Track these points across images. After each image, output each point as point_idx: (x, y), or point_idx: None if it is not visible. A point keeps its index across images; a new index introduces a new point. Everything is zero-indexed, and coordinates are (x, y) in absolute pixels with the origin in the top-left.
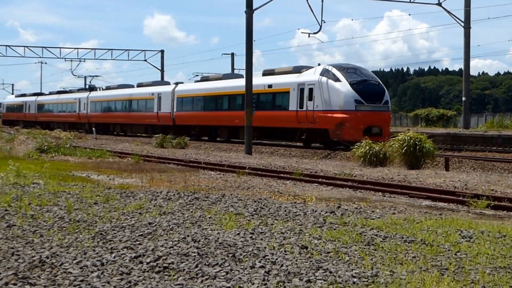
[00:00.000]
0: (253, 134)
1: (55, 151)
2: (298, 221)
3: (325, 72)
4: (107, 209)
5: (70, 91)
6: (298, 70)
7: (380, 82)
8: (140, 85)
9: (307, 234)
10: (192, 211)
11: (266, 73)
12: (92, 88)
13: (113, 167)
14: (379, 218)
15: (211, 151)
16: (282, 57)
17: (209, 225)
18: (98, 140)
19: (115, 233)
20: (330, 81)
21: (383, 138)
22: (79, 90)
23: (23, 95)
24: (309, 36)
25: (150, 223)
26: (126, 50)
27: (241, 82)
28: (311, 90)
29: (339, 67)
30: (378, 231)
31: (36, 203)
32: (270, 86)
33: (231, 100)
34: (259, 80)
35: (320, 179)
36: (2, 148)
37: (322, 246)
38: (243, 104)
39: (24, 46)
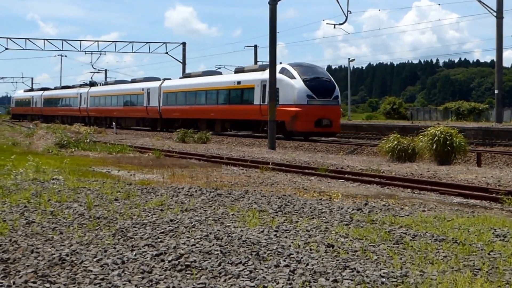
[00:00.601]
0: (225, 126)
1: (74, 146)
2: (324, 218)
3: (283, 70)
4: (127, 206)
5: (73, 86)
6: (263, 68)
7: (332, 79)
8: (133, 80)
9: (333, 232)
10: (214, 208)
11: (238, 70)
12: (92, 84)
13: (134, 163)
14: (408, 215)
15: (234, 146)
16: (307, 49)
17: (232, 222)
18: (118, 135)
19: (136, 230)
20: (286, 78)
21: (332, 129)
22: (81, 85)
23: (31, 89)
24: (334, 27)
25: (171, 220)
26: (147, 42)
27: (217, 79)
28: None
29: (295, 66)
30: (407, 229)
31: (56, 199)
32: (239, 82)
33: (208, 95)
34: (231, 77)
35: (346, 175)
36: (22, 143)
37: (349, 245)
38: (217, 99)
39: (44, 39)
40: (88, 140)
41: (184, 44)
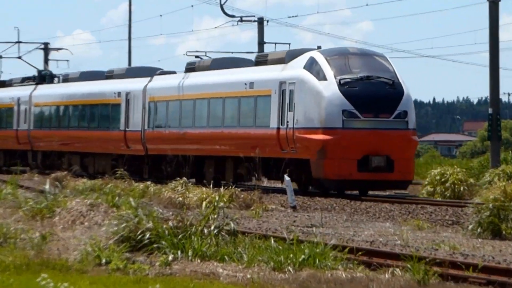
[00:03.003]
0: (236, 168)
1: (175, 246)
2: None
3: (309, 64)
4: None
5: (9, 83)
6: (291, 57)
7: (398, 79)
8: (109, 75)
9: None
10: None
11: (259, 61)
12: (43, 78)
13: None
14: None
15: None
16: None
17: None
18: (301, 211)
19: None
20: (312, 78)
21: (393, 176)
22: (24, 80)
23: None
24: None
25: None
26: None
27: (226, 76)
28: (291, 92)
29: (330, 55)
30: None
31: None
32: (251, 85)
33: (212, 109)
34: (241, 74)
35: None
36: (21, 238)
37: None
38: (223, 115)
39: None
40: (213, 229)
41: None
